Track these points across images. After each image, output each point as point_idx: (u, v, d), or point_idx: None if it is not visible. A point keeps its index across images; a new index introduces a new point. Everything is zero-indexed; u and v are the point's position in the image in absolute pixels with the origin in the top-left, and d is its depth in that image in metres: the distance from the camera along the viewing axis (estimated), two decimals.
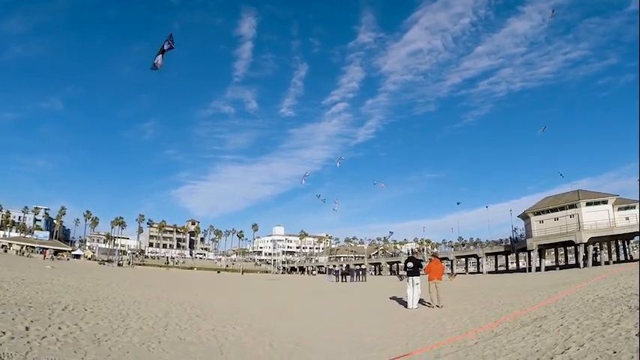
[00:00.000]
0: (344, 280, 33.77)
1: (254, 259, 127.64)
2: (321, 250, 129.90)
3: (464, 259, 66.06)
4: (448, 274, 41.72)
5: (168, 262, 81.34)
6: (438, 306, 10.64)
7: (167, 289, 17.13)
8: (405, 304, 11.53)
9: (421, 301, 11.53)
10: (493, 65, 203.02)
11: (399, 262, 71.31)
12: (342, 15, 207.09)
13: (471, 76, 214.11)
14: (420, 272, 11.60)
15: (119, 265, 59.65)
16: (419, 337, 6.60)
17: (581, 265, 39.20)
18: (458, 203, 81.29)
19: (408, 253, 21.90)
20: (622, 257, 46.70)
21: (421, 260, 12.61)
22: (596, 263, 42.99)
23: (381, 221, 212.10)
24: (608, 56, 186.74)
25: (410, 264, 11.50)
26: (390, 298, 14.36)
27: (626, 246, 46.18)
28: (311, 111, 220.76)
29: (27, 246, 65.30)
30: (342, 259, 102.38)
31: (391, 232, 61.13)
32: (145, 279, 24.20)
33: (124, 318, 7.31)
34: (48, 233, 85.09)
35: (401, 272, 63.92)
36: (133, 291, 13.77)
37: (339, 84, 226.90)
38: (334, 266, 67.08)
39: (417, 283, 11.06)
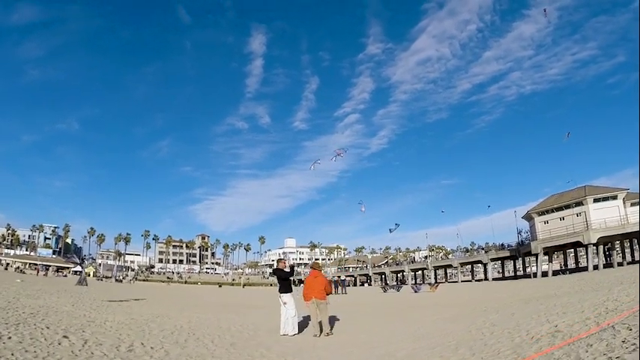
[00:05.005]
0: None
1: (263, 272, 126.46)
2: (332, 262, 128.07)
3: (469, 266, 62.60)
4: (429, 284, 38.91)
5: (170, 278, 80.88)
6: (325, 333, 8.03)
7: (111, 302, 15.94)
8: (303, 326, 9.05)
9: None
10: (502, 70, 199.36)
11: (403, 271, 68.48)
12: (350, 28, 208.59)
13: (481, 82, 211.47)
14: (296, 288, 9.07)
15: (117, 280, 59.21)
16: None
17: (590, 268, 35.99)
18: (442, 211, 78.31)
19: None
20: (637, 257, 42.86)
21: (290, 272, 8.81)
22: (608, 265, 39.55)
23: (397, 230, 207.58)
24: (616, 54, 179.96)
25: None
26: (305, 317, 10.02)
27: None
28: (323, 123, 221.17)
29: (30, 264, 65.98)
30: (350, 269, 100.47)
31: (397, 225, 57.97)
32: (115, 294, 22.66)
33: None
34: (51, 251, 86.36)
35: (390, 282, 60.97)
36: (48, 300, 12.53)
37: (350, 96, 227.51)
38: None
39: (285, 302, 8.27)
